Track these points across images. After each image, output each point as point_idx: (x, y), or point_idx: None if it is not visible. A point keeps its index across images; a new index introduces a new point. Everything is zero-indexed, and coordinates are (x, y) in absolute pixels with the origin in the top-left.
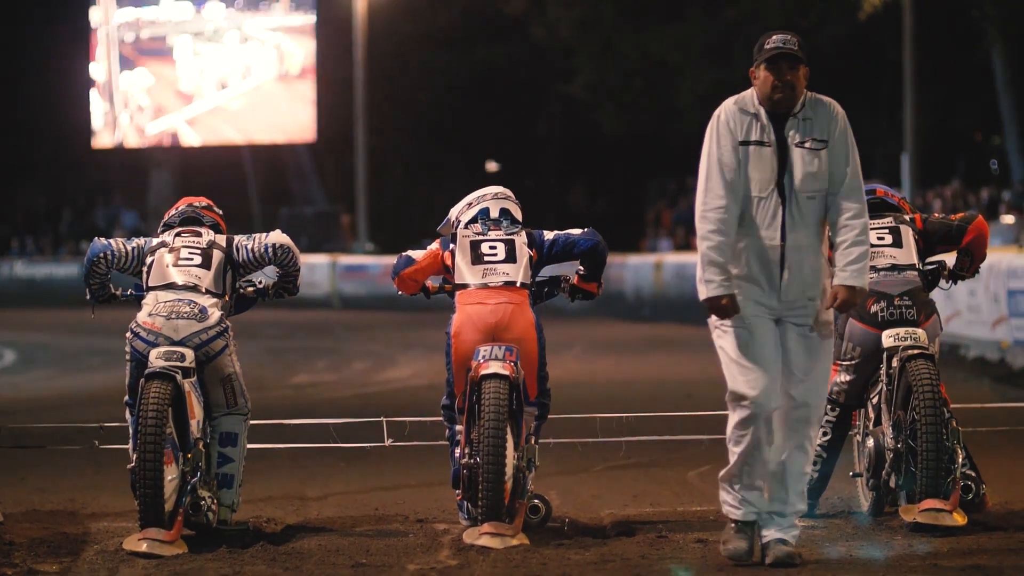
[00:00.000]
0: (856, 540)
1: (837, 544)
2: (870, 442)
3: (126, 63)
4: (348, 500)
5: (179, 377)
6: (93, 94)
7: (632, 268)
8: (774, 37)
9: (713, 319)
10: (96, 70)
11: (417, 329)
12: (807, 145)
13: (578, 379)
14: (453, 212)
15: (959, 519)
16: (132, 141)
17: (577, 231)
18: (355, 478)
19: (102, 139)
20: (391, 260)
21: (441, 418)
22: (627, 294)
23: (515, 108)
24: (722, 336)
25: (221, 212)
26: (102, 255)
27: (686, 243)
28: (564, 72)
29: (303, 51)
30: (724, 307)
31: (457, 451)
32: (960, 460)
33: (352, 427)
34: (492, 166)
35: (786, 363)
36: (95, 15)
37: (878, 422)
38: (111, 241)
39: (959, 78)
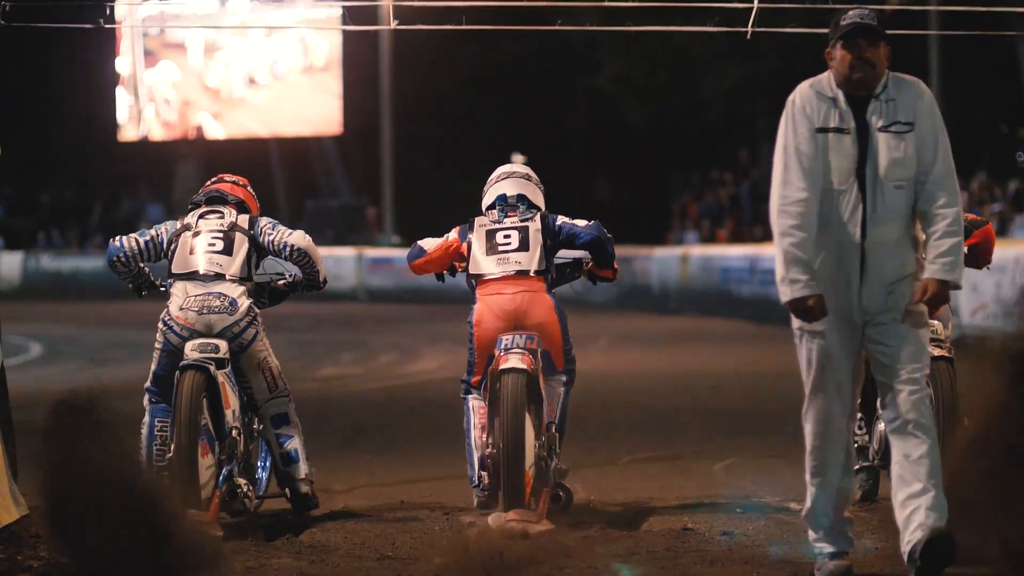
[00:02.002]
0: (881, 532)
1: (863, 537)
2: (880, 426)
3: (151, 57)
4: (374, 492)
5: (212, 368)
6: (119, 88)
7: (658, 261)
8: (851, 12)
9: (796, 322)
10: (121, 64)
11: (443, 322)
12: (892, 129)
13: (604, 372)
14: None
15: None
16: (157, 134)
17: (582, 223)
18: (381, 470)
19: (128, 132)
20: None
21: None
22: (653, 287)
23: (541, 100)
24: (801, 346)
25: (251, 190)
26: (116, 258)
27: (712, 236)
28: (589, 64)
29: (328, 43)
30: (811, 308)
31: (474, 433)
32: None
33: (380, 420)
34: (518, 158)
35: (882, 362)
36: (120, 9)
37: None
38: (123, 242)
39: (984, 70)
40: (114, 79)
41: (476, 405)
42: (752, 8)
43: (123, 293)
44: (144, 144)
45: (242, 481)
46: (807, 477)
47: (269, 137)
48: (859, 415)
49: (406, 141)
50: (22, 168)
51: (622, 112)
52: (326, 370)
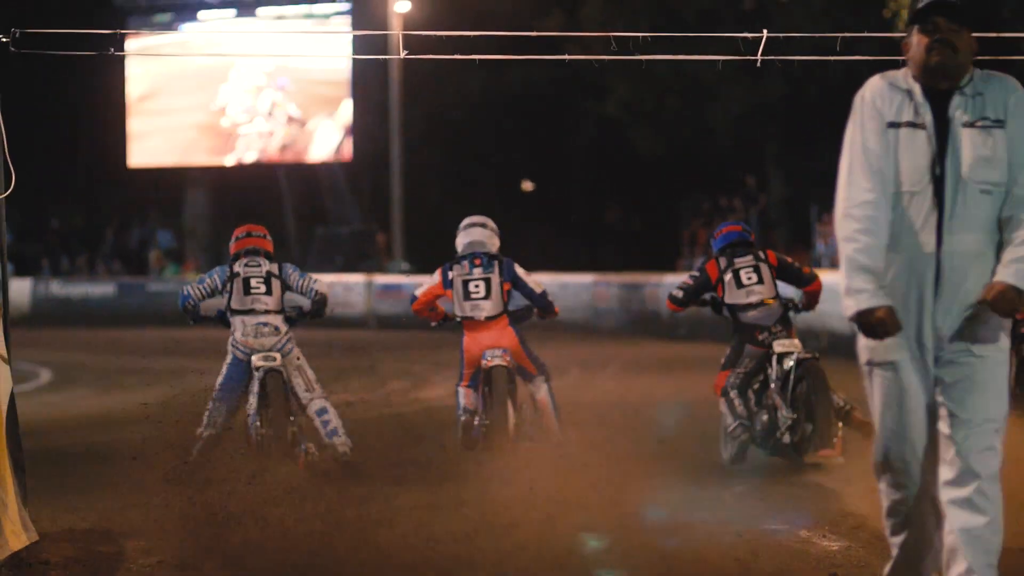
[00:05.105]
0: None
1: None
2: (764, 417)
3: (160, 82)
4: (375, 518)
5: (285, 372)
6: (127, 113)
7: (668, 287)
8: None
9: (864, 355)
10: (130, 90)
11: (452, 349)
12: (979, 124)
13: (613, 399)
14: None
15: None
16: (167, 161)
17: (539, 289)
18: (388, 495)
19: (137, 159)
20: (427, 280)
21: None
22: (662, 313)
23: (549, 127)
24: (871, 383)
25: (269, 236)
26: (187, 303)
27: None
28: (598, 91)
29: (338, 70)
30: (880, 321)
31: (462, 395)
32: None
33: (390, 447)
34: (527, 185)
35: (949, 408)
36: (130, 36)
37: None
38: (189, 291)
39: None
40: (124, 105)
41: (463, 390)
42: (761, 37)
43: (131, 320)
44: (154, 170)
45: (311, 446)
46: (888, 535)
47: (278, 163)
48: (739, 396)
49: (415, 167)
50: (31, 194)
51: (631, 139)
52: (335, 396)
